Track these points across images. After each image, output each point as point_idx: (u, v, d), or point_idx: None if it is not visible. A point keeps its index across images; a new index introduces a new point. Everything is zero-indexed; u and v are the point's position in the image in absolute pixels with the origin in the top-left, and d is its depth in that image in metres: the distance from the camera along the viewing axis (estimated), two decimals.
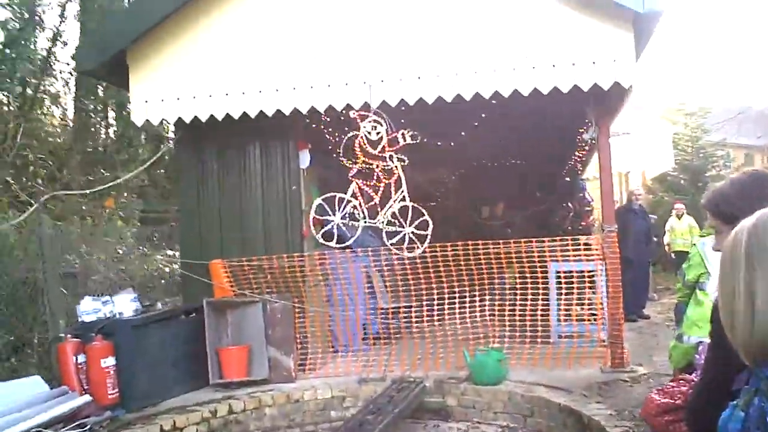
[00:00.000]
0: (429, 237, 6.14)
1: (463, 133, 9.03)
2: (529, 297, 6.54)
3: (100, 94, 13.05)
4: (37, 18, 11.14)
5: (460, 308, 6.56)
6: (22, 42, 9.74)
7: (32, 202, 6.63)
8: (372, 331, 7.92)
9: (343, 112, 6.24)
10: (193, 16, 6.31)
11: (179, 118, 6.35)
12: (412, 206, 6.04)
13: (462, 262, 6.43)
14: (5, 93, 10.35)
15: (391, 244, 6.10)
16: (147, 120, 6.38)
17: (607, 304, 6.42)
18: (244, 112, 6.19)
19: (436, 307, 6.60)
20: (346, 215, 5.98)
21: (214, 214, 6.97)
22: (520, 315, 6.50)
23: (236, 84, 6.21)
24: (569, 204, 11.79)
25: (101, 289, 6.56)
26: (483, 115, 8.19)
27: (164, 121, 7.03)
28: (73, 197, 8.00)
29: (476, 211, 12.82)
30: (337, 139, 6.30)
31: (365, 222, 6.00)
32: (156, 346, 5.83)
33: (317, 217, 6.30)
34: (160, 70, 6.36)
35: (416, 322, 6.87)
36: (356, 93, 6.01)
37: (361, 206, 6.00)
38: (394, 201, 5.99)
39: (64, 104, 12.64)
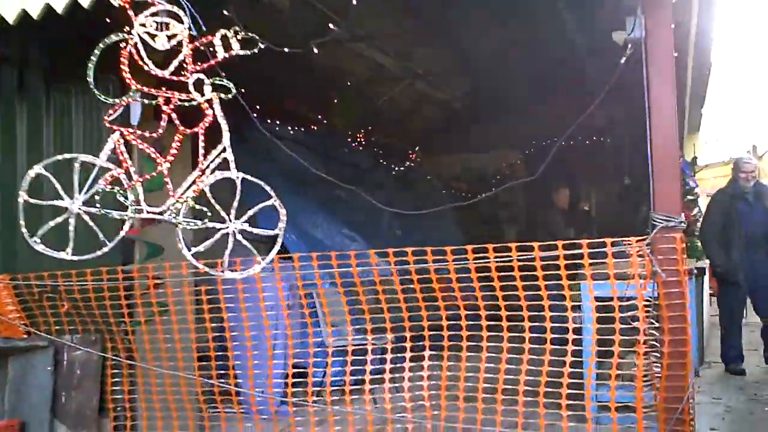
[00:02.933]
0: (280, 239, 3.14)
1: None
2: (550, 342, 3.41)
3: None
4: None
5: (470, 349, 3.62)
6: None
7: None
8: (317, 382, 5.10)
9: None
10: None
11: None
12: (243, 179, 3.07)
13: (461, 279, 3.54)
14: None
15: (194, 255, 3.13)
16: None
17: (663, 356, 3.19)
18: None
19: (429, 346, 3.73)
20: (96, 196, 3.09)
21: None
22: (532, 369, 3.39)
23: None
24: None
25: None
26: None
27: None
28: None
29: (540, 202, 9.48)
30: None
31: (135, 210, 3.09)
32: None
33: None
34: None
35: (393, 367, 3.94)
36: None
37: (130, 179, 3.11)
38: (204, 171, 3.06)
39: None
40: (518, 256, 3.42)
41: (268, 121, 6.57)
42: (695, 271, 5.41)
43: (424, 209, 9.54)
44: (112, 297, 3.88)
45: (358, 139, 8.17)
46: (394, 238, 7.88)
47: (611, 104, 7.70)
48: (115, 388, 3.96)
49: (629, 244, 3.31)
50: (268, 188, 3.14)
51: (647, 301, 3.29)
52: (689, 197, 8.18)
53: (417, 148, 9.61)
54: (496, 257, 3.46)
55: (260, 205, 3.10)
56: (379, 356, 4.09)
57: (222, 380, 3.96)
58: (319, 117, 7.52)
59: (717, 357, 6.32)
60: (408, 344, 3.78)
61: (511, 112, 9.33)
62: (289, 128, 6.85)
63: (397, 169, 8.91)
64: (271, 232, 3.15)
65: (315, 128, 7.43)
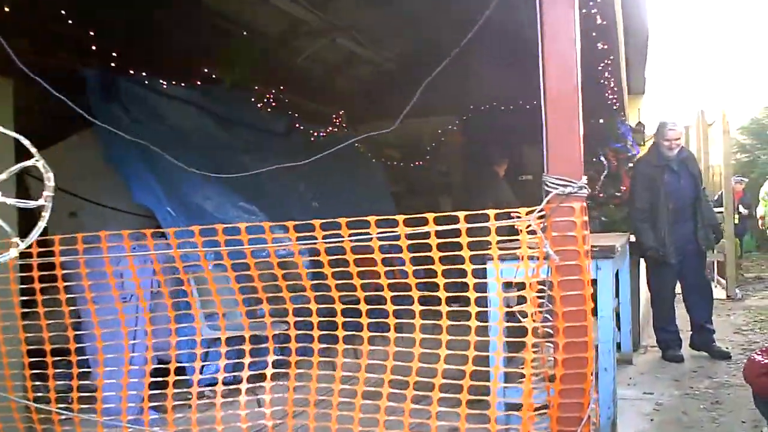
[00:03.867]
0: (47, 213, 2.31)
1: None
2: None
3: None
4: None
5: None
6: None
7: None
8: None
9: None
10: None
11: None
12: None
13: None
14: None
15: None
16: None
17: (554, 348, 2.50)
18: None
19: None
20: None
21: None
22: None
23: None
24: (602, 158, 7.50)
25: None
26: None
27: None
28: None
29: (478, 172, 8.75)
30: None
31: None
32: None
33: None
34: None
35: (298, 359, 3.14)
36: None
37: None
38: None
39: None
40: (378, 233, 2.66)
41: (144, 74, 5.68)
42: (619, 250, 4.67)
43: (352, 179, 8.77)
44: None
45: (270, 101, 7.28)
46: (309, 211, 7.06)
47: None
48: None
49: (518, 217, 2.57)
50: (27, 143, 2.29)
51: (541, 288, 2.57)
52: (630, 165, 7.54)
53: (342, 113, 8.75)
54: (351, 234, 2.70)
55: (20, 165, 2.25)
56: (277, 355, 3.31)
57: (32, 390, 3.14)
58: (221, 75, 6.61)
59: (654, 341, 5.69)
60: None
61: (449, 75, 8.54)
62: (172, 83, 5.96)
63: (317, 134, 8.05)
64: (33, 204, 2.31)
65: (214, 88, 6.53)
